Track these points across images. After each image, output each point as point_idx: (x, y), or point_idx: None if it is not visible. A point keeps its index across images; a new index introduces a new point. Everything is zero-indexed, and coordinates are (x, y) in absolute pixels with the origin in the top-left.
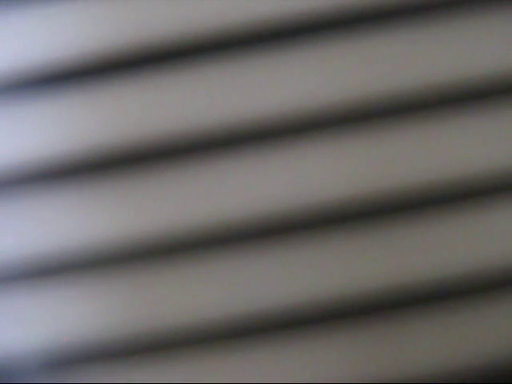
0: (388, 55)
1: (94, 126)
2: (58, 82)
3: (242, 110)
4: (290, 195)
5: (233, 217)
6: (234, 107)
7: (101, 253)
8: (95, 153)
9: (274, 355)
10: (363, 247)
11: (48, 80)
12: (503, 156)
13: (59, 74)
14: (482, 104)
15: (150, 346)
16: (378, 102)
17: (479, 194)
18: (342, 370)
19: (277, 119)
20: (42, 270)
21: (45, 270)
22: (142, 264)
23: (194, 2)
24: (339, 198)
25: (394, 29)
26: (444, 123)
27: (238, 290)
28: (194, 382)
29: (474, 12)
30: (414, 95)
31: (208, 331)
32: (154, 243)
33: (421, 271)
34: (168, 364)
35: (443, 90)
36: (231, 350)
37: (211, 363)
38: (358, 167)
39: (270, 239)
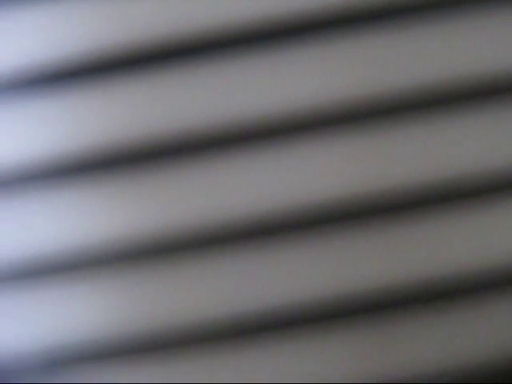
0: (388, 55)
1: (96, 124)
2: (60, 81)
3: (242, 110)
4: (289, 194)
5: (233, 216)
6: (234, 106)
7: (101, 252)
8: (96, 151)
9: (274, 355)
10: (363, 246)
11: (50, 78)
12: (503, 156)
13: (62, 72)
14: (482, 104)
15: (150, 346)
16: (378, 102)
17: (479, 193)
18: (342, 370)
19: (276, 119)
20: (42, 269)
21: (45, 269)
22: (142, 263)
23: (197, 2)
24: (339, 198)
25: (394, 29)
26: (443, 123)
27: (238, 290)
28: (194, 382)
29: (474, 12)
30: (413, 95)
31: (208, 331)
32: (155, 242)
33: (421, 270)
34: (168, 364)
35: (443, 89)
36: (232, 350)
37: (211, 363)
38: (358, 167)
39: (270, 238)
